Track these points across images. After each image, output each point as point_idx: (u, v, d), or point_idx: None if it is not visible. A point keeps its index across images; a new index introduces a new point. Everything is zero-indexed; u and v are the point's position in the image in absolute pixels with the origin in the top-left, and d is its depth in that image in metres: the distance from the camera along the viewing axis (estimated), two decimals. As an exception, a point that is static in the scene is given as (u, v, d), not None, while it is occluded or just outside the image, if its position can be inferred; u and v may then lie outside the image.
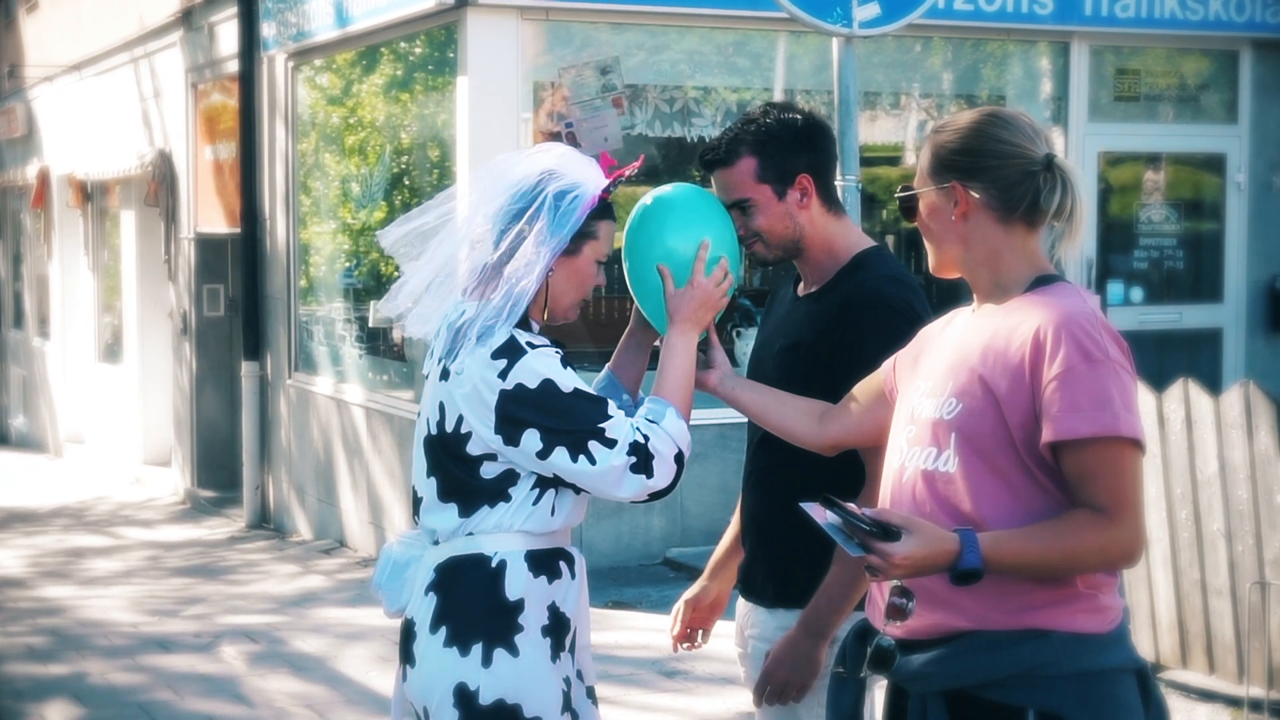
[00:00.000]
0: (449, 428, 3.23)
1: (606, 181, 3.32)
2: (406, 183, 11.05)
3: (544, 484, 3.24)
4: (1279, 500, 6.09)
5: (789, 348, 3.56)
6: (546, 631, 3.24)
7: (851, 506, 2.77)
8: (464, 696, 3.19)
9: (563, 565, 3.29)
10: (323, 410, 11.55)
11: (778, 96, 10.13)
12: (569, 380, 3.18)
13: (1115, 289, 10.92)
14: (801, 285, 3.66)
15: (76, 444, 17.74)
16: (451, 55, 9.82)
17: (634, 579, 9.26)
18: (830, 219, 3.57)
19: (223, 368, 13.92)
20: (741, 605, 3.75)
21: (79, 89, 17.42)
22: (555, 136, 9.66)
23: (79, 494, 15.14)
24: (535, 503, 3.24)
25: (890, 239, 10.85)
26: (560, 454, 3.16)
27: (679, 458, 3.22)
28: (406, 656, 3.32)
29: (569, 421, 3.15)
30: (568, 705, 3.27)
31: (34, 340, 19.86)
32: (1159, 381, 6.67)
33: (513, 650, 3.20)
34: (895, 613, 2.80)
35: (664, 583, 9.18)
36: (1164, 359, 10.53)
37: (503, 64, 9.41)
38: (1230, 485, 6.27)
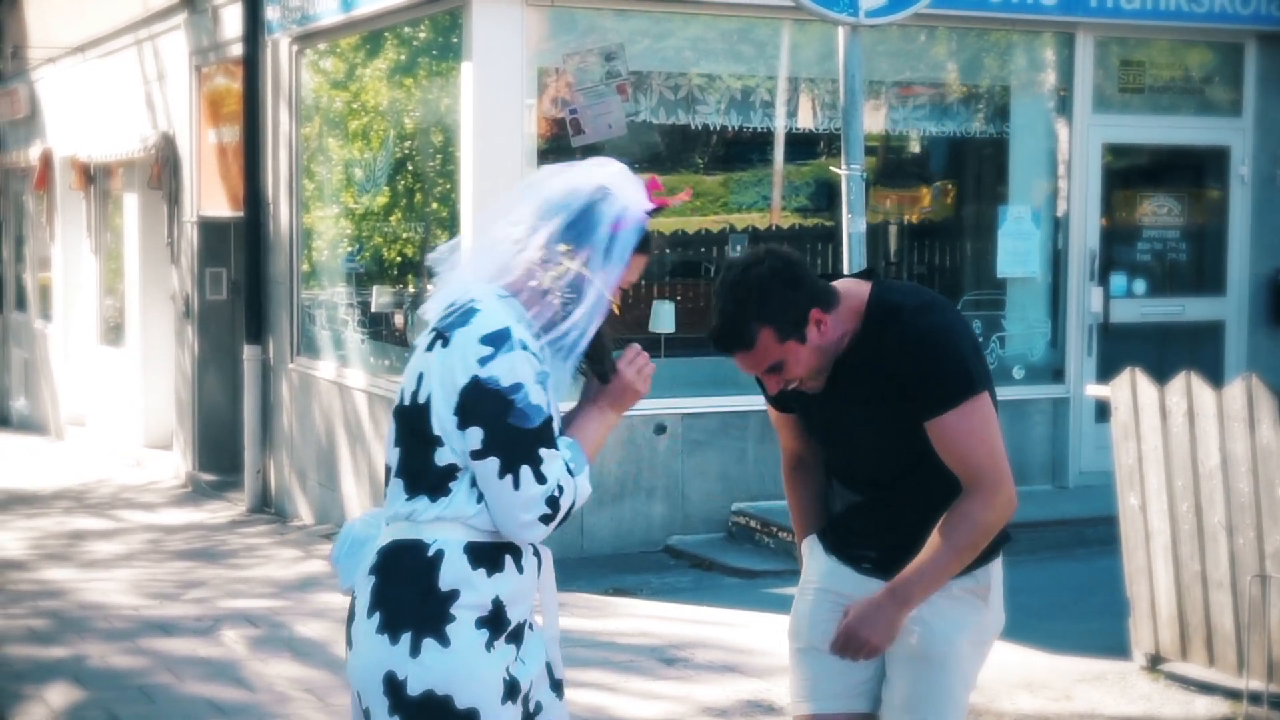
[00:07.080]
0: (420, 399, 3.21)
1: (651, 205, 3.32)
2: (410, 168, 11.04)
3: None
4: (1280, 493, 6.09)
5: (867, 404, 3.62)
6: (483, 623, 3.19)
7: None
8: (392, 685, 3.16)
9: (507, 559, 3.24)
10: (324, 394, 11.55)
11: (782, 84, 10.12)
12: (539, 395, 3.17)
13: (1118, 281, 10.91)
14: None
15: (78, 426, 17.75)
16: (456, 41, 9.81)
17: (635, 566, 9.27)
18: (838, 310, 3.60)
19: (225, 351, 13.92)
20: (857, 583, 3.80)
21: (82, 71, 17.40)
22: (559, 123, 9.66)
23: (80, 476, 15.15)
24: (480, 500, 3.20)
25: (893, 229, 10.84)
26: (491, 463, 3.14)
27: (569, 513, 3.24)
28: (348, 638, 3.31)
29: (516, 437, 3.14)
30: (513, 693, 3.22)
31: (36, 322, 19.86)
32: (1161, 374, 6.65)
33: (443, 640, 3.14)
34: None
35: (665, 570, 9.18)
36: (1166, 351, 10.53)
37: (507, 50, 9.40)
38: (1232, 478, 6.27)
